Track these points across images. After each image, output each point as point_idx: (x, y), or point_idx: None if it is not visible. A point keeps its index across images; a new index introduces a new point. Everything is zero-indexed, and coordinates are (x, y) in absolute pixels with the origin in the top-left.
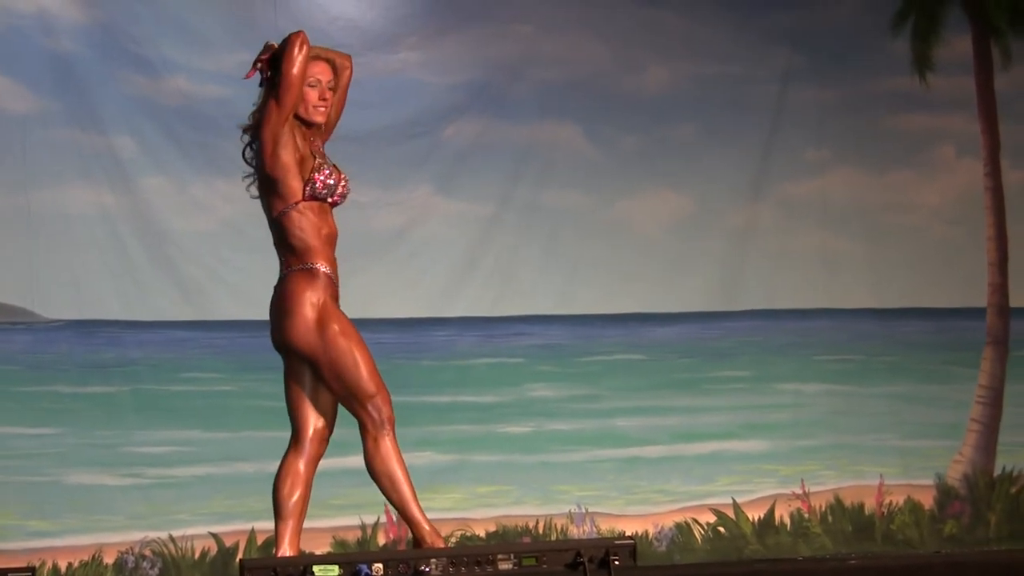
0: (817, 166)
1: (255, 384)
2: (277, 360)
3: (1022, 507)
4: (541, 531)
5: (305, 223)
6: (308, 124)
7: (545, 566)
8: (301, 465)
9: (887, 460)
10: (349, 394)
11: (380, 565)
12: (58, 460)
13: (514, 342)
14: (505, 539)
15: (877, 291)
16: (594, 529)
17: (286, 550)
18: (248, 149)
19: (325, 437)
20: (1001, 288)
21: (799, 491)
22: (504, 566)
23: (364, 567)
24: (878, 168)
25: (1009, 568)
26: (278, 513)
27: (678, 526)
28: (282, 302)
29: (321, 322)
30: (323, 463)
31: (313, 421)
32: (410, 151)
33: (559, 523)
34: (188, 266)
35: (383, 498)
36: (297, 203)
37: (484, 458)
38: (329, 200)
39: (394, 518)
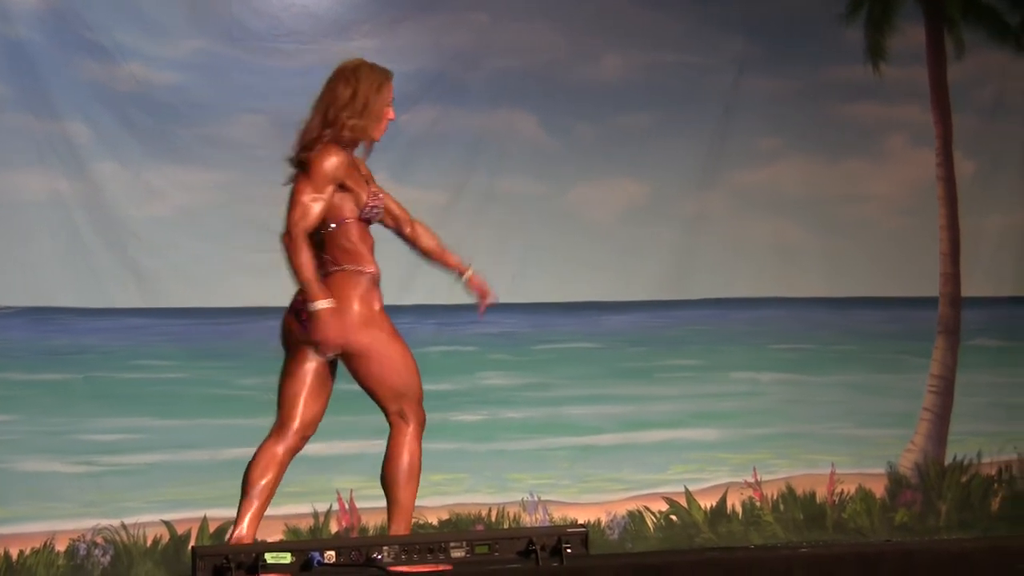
0: (771, 155)
1: (208, 372)
2: (230, 348)
3: (973, 496)
4: (494, 519)
5: (355, 234)
6: (370, 141)
7: (497, 554)
8: (280, 451)
9: (839, 449)
10: (393, 393)
11: (333, 553)
12: (10, 447)
13: (467, 330)
14: (458, 527)
15: (830, 280)
16: (547, 517)
17: (243, 530)
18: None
19: (308, 435)
20: (953, 278)
21: (751, 480)
22: (457, 554)
23: (317, 555)
24: (831, 157)
25: (960, 557)
26: (245, 492)
27: (631, 514)
28: (344, 300)
29: (369, 321)
30: None
31: (303, 414)
32: None
33: (512, 511)
34: (142, 253)
35: (335, 485)
36: (352, 219)
37: (437, 446)
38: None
39: (347, 506)
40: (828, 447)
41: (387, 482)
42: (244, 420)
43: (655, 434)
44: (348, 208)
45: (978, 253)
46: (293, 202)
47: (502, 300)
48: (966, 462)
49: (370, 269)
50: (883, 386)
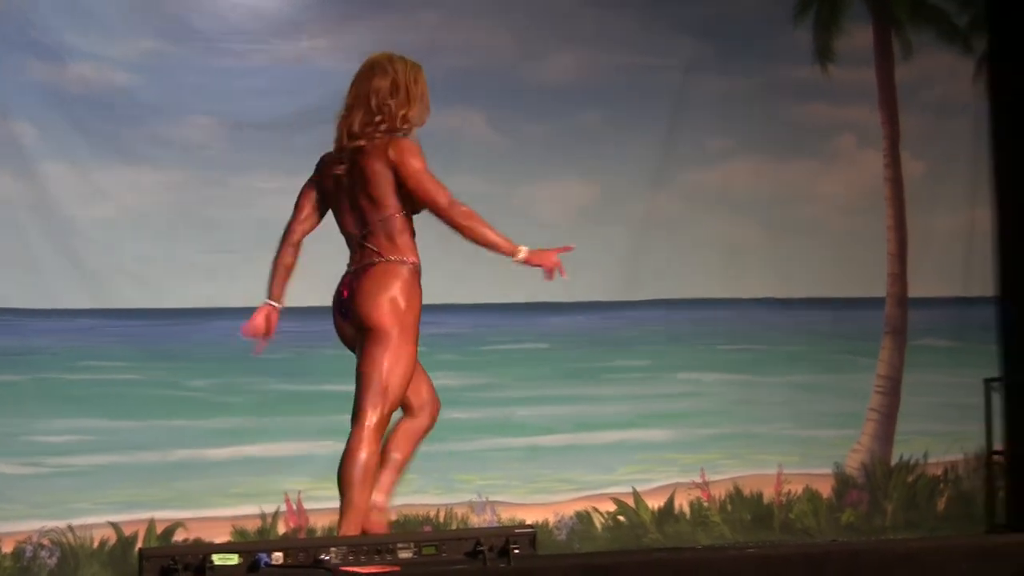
0: (720, 155)
1: (158, 373)
2: (180, 349)
3: (919, 496)
4: (442, 520)
5: (399, 225)
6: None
7: (445, 555)
8: (413, 429)
9: (786, 449)
10: (380, 388)
11: (280, 554)
12: None
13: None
14: (406, 528)
15: (778, 281)
16: (495, 518)
17: (383, 497)
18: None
19: (434, 415)
20: (900, 278)
21: (699, 480)
22: (404, 555)
23: (264, 556)
24: (780, 158)
25: (906, 557)
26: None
27: (579, 515)
28: (375, 284)
29: (401, 313)
30: (224, 452)
31: (425, 391)
32: (313, 138)
33: (460, 512)
34: (91, 254)
35: (283, 487)
36: (398, 212)
37: None
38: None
39: (295, 507)
40: (775, 447)
41: (341, 480)
42: (193, 421)
43: (603, 435)
44: (396, 200)
45: (925, 253)
46: (429, 187)
47: (449, 301)
48: (912, 462)
49: (412, 259)
50: (830, 386)
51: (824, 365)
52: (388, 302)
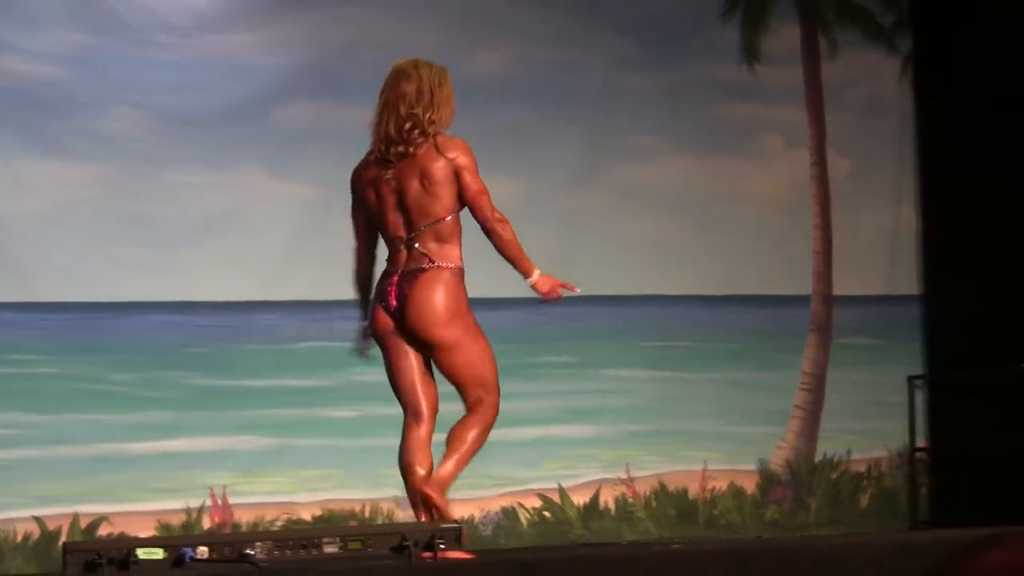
0: (648, 153)
1: (82, 367)
2: (105, 343)
3: (842, 493)
4: (367, 515)
5: (449, 229)
6: None
7: (371, 550)
8: (423, 434)
9: (711, 446)
10: (476, 381)
11: (205, 548)
12: None
13: (340, 326)
14: (331, 523)
15: (704, 278)
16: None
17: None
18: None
19: (434, 415)
20: (825, 276)
21: (624, 476)
22: (330, 549)
23: (189, 551)
24: (708, 156)
25: (829, 553)
26: (407, 479)
27: (504, 510)
28: (433, 291)
29: (456, 315)
30: (148, 446)
31: (426, 399)
32: (240, 133)
33: (385, 507)
34: (16, 248)
35: (208, 481)
36: (447, 216)
37: (309, 442)
38: None
39: (219, 502)
40: (701, 444)
41: (454, 435)
42: (117, 416)
43: (529, 431)
44: (452, 201)
45: (851, 252)
46: (484, 193)
47: None
48: (836, 459)
49: (459, 264)
50: (756, 383)
51: (750, 362)
52: (444, 312)
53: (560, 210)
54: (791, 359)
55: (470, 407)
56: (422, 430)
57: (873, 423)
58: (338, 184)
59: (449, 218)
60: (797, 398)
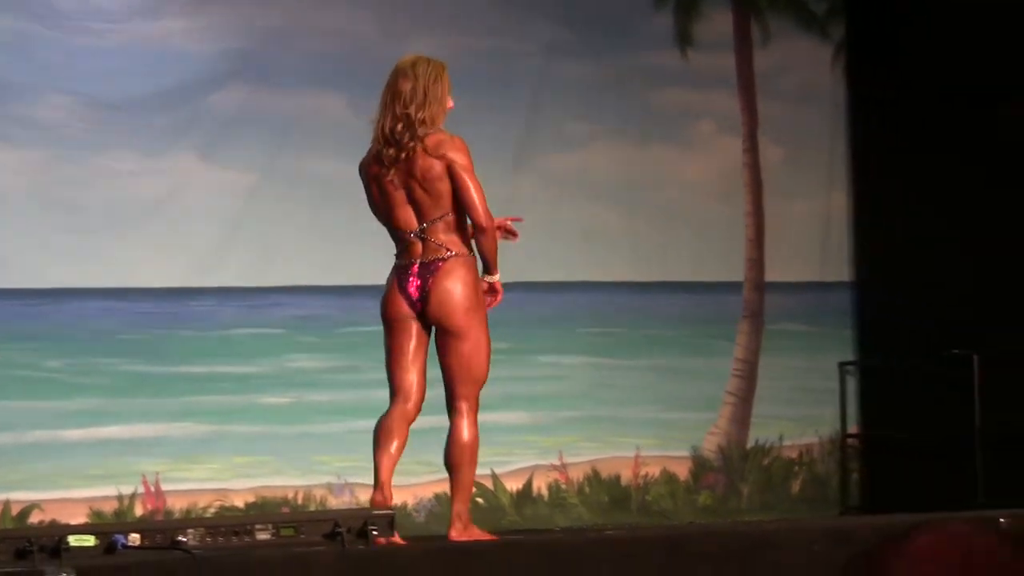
0: (580, 139)
1: (13, 353)
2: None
3: (774, 479)
4: (300, 502)
5: (464, 220)
6: None
7: (304, 536)
8: (396, 417)
9: (644, 432)
10: (470, 377)
11: (137, 535)
12: None
13: (275, 312)
14: (264, 510)
15: (637, 265)
16: (353, 500)
17: (383, 492)
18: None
19: (418, 400)
20: (758, 263)
21: (557, 462)
22: (262, 536)
23: (121, 537)
24: (641, 143)
25: (761, 539)
26: (374, 456)
27: (437, 497)
28: (455, 281)
29: (474, 306)
30: (80, 433)
31: (418, 383)
32: (173, 119)
33: (318, 494)
34: None
35: (140, 468)
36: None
37: (243, 429)
38: None
39: (151, 489)
40: (634, 430)
41: (450, 462)
42: (50, 402)
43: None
44: (450, 201)
45: (783, 238)
46: (476, 189)
47: (310, 283)
48: (768, 445)
49: (471, 252)
50: (689, 370)
51: (682, 349)
52: (464, 300)
53: (494, 197)
54: (723, 346)
55: (454, 406)
56: (409, 407)
57: (805, 409)
58: (272, 169)
59: (455, 211)
60: (729, 384)
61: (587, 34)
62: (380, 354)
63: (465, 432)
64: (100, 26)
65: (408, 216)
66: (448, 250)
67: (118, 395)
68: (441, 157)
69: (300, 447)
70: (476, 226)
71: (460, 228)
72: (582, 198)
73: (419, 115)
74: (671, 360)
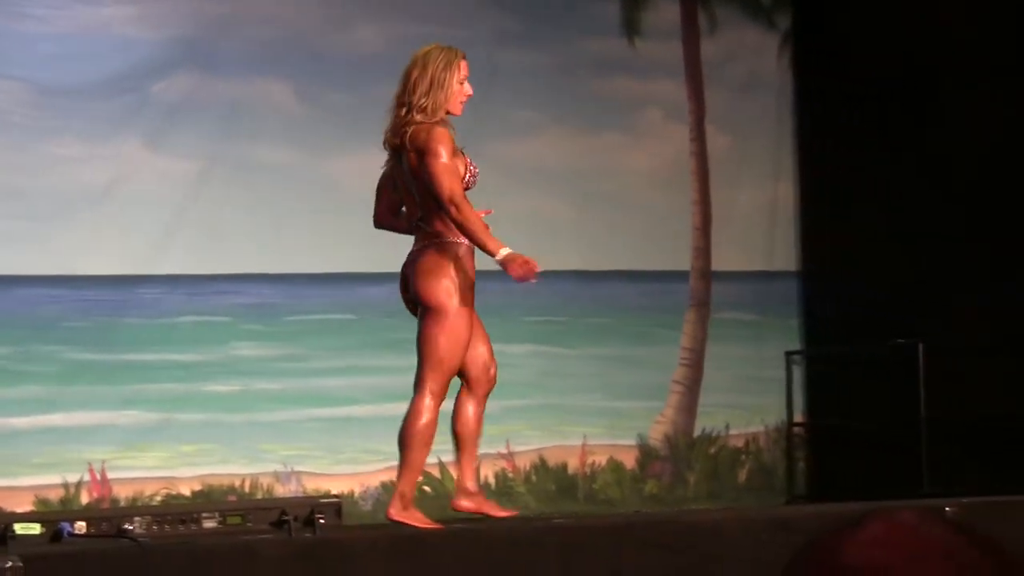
0: (528, 128)
1: None
2: None
3: (720, 467)
4: (247, 490)
5: None
6: (450, 115)
7: (251, 525)
8: (473, 404)
9: (591, 421)
10: (434, 361)
11: (83, 523)
12: None
13: (221, 300)
14: (210, 498)
15: (584, 253)
16: (300, 488)
17: (465, 479)
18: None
19: (492, 377)
20: (704, 252)
21: (504, 451)
22: (209, 525)
23: (67, 525)
24: (588, 131)
25: (707, 527)
26: (457, 447)
27: (384, 485)
28: (429, 266)
29: (453, 291)
30: (25, 421)
31: (483, 362)
32: (118, 106)
33: (265, 482)
34: None
35: (86, 456)
36: None
37: (189, 417)
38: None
39: (97, 477)
40: (580, 419)
41: (399, 441)
42: None
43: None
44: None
45: (729, 228)
46: (438, 177)
47: (256, 271)
48: (714, 434)
49: (454, 238)
50: (635, 359)
51: (630, 337)
52: (441, 282)
53: None
54: (670, 335)
55: (416, 388)
56: (472, 398)
57: (751, 398)
58: (218, 157)
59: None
60: (676, 373)
61: (535, 23)
62: (327, 342)
63: (415, 413)
64: (44, 12)
65: (412, 207)
66: (437, 237)
67: (64, 383)
68: (416, 149)
69: (247, 435)
70: (445, 212)
71: (439, 218)
72: (529, 186)
73: (421, 102)
74: (618, 349)
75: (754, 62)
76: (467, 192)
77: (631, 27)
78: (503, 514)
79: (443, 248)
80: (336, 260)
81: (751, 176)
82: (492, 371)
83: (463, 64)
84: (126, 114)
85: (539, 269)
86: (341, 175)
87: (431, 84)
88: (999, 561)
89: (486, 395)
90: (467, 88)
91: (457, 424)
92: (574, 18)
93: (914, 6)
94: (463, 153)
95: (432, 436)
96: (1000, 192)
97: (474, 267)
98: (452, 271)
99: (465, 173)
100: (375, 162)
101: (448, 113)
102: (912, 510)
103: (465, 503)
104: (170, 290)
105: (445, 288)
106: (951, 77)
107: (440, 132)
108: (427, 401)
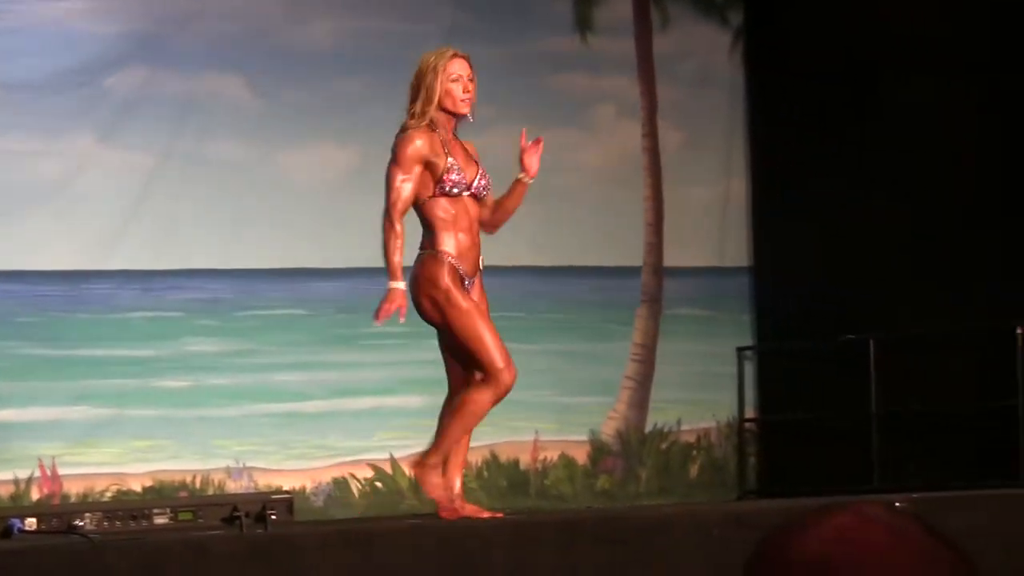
0: (480, 123)
1: None
2: None
3: (672, 463)
4: (198, 486)
5: (437, 211)
6: (454, 116)
7: (202, 521)
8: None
9: (543, 416)
10: (466, 358)
11: (33, 520)
12: None
13: (173, 296)
14: (161, 494)
15: (536, 249)
16: (252, 484)
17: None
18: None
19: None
20: (656, 248)
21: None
22: (160, 520)
23: (17, 522)
24: (540, 127)
25: (659, 523)
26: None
27: (336, 481)
28: (412, 281)
29: (444, 303)
30: None
31: (450, 369)
32: (72, 100)
33: (217, 478)
34: None
35: (37, 452)
36: (431, 196)
37: (141, 412)
38: (464, 194)
39: (48, 473)
40: (532, 414)
41: (443, 418)
42: None
43: (361, 401)
44: (427, 186)
45: (681, 223)
46: (386, 183)
47: (209, 266)
48: (666, 429)
49: (441, 248)
50: (587, 354)
51: (581, 333)
52: (429, 302)
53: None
54: (622, 330)
55: (478, 380)
56: (451, 394)
57: (703, 394)
58: (171, 152)
59: (420, 206)
60: (628, 369)
61: (487, 18)
62: (280, 337)
63: (464, 392)
64: None
65: None
66: (422, 248)
67: (15, 378)
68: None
69: (198, 431)
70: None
71: (431, 224)
72: None
73: (412, 108)
74: (570, 344)
75: (706, 58)
76: (479, 199)
77: (584, 23)
78: (486, 515)
79: (424, 260)
80: (289, 256)
81: (703, 172)
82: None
83: (453, 63)
84: (79, 109)
85: (402, 320)
86: (294, 170)
87: (419, 89)
88: (960, 557)
89: (491, 400)
90: (464, 85)
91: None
92: (527, 14)
93: (863, 2)
94: (449, 154)
95: (473, 422)
96: (947, 186)
97: (474, 265)
98: (432, 288)
99: (440, 178)
100: (328, 157)
101: (451, 113)
102: (878, 504)
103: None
104: (123, 285)
105: (433, 307)
106: (897, 72)
107: (404, 139)
108: (481, 385)
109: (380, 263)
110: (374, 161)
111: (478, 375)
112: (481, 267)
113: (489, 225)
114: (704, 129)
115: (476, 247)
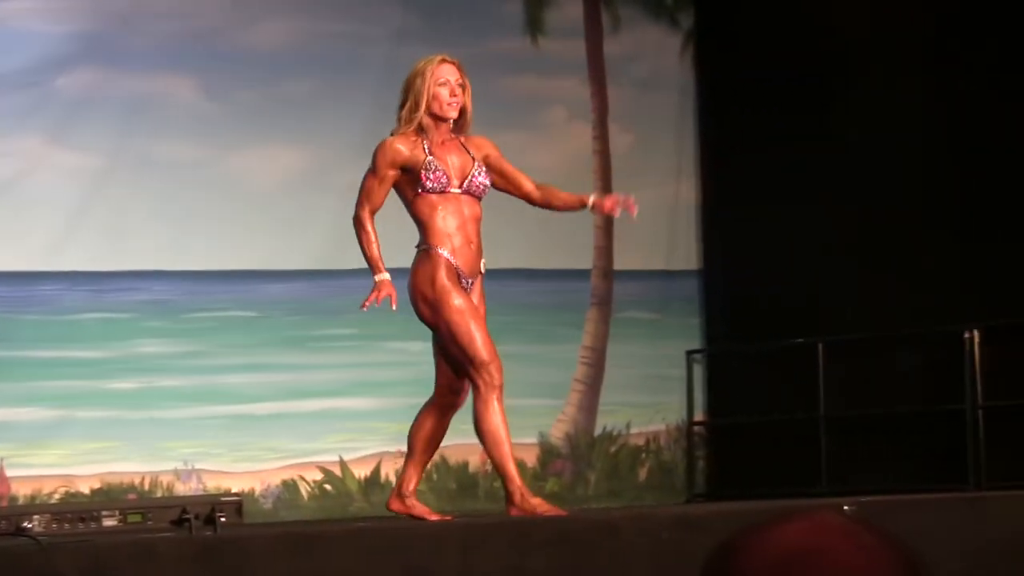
0: None
1: None
2: None
3: (621, 466)
4: (147, 488)
5: (424, 210)
6: (442, 120)
7: (151, 523)
8: (436, 413)
9: None
10: (460, 360)
11: None
12: None
13: (123, 297)
14: (110, 496)
15: (486, 251)
16: (201, 486)
17: (408, 482)
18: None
19: (459, 390)
20: (606, 251)
21: (405, 449)
22: (109, 523)
23: None
24: (491, 129)
25: (608, 526)
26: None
27: (285, 483)
28: (408, 280)
29: (436, 300)
30: None
31: (440, 371)
32: (20, 101)
33: (166, 480)
34: None
35: None
36: (417, 195)
37: (90, 414)
38: (451, 192)
39: None
40: None
41: (484, 448)
42: None
43: (311, 403)
44: (412, 186)
45: (631, 226)
46: (360, 186)
47: (159, 267)
48: (615, 432)
49: (434, 244)
50: (536, 357)
51: (531, 336)
52: (423, 300)
53: (342, 182)
54: (571, 333)
55: (472, 390)
56: (436, 397)
57: (652, 397)
58: (120, 153)
59: (410, 206)
60: (577, 372)
61: (437, 20)
62: (230, 339)
63: (479, 416)
64: None
65: None
66: (417, 245)
67: None
68: None
69: (147, 432)
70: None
71: (424, 222)
72: None
73: (400, 114)
74: (519, 347)
75: (657, 61)
76: (479, 200)
77: (534, 26)
78: (435, 518)
79: (419, 257)
80: (240, 257)
81: (653, 174)
82: (462, 397)
83: (440, 68)
84: (27, 109)
85: (394, 307)
86: (245, 172)
87: (407, 95)
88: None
89: (452, 409)
90: (451, 89)
91: (417, 431)
92: (477, 16)
93: (815, 3)
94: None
95: (501, 431)
96: (896, 189)
97: (473, 264)
98: (426, 284)
99: (421, 176)
100: (279, 159)
101: (438, 118)
102: (832, 509)
103: (397, 504)
104: (72, 286)
105: (424, 304)
106: (847, 75)
107: (379, 145)
108: (486, 397)
109: (331, 265)
110: (326, 162)
111: (475, 386)
112: (483, 270)
113: (539, 199)
114: (654, 131)
115: (473, 246)
